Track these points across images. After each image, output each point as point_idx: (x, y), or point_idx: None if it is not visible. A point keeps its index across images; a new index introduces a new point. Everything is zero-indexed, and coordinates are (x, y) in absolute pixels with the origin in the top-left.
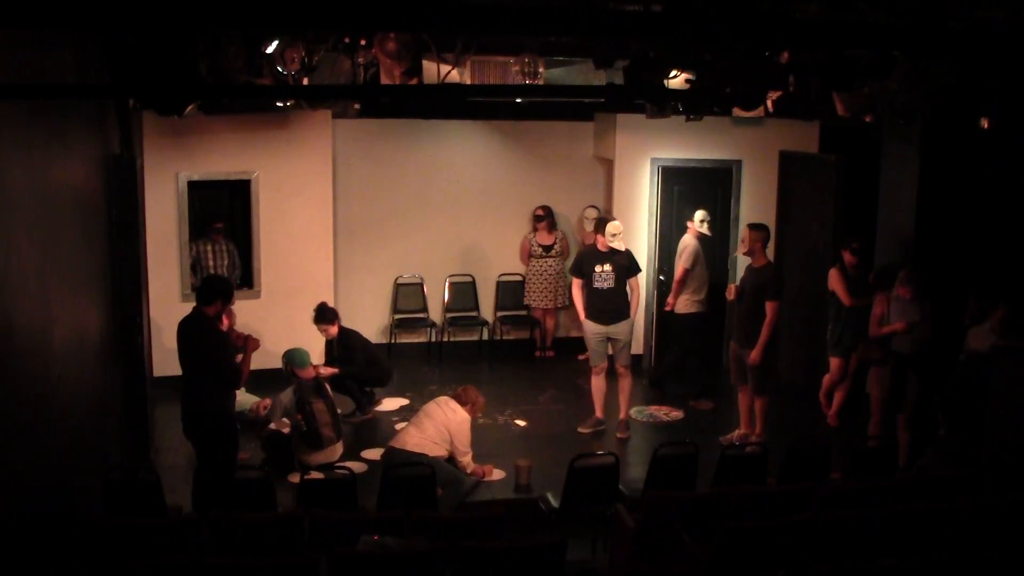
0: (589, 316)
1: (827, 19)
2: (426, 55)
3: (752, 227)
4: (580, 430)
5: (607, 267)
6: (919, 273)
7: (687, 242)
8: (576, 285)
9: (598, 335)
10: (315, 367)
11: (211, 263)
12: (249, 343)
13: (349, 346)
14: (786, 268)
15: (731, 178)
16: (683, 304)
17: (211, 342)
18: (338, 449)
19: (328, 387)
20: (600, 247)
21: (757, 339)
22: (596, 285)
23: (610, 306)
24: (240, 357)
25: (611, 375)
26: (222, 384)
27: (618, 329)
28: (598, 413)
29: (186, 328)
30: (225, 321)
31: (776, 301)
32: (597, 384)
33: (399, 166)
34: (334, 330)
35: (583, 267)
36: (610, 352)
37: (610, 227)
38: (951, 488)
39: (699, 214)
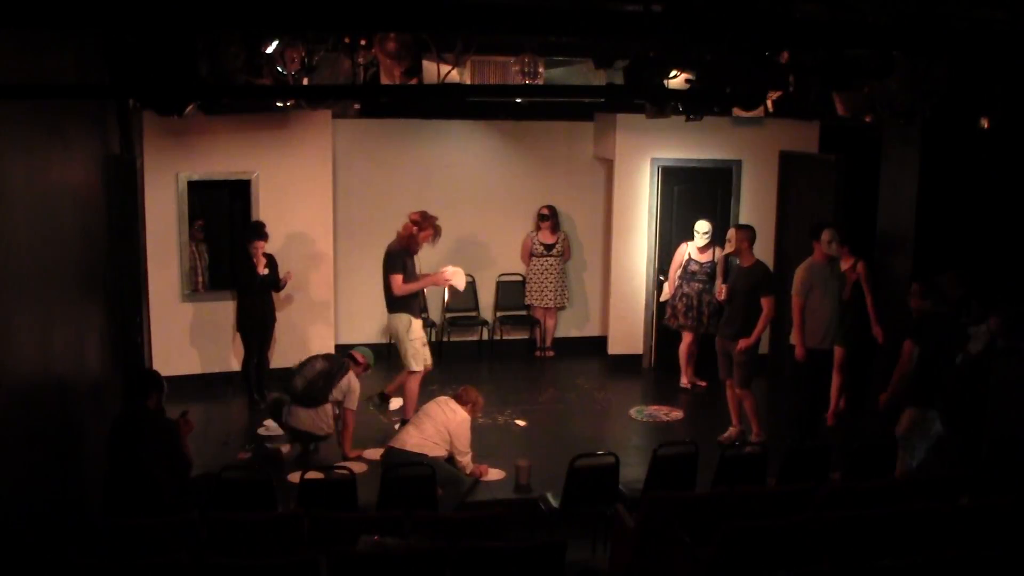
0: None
1: (827, 19)
2: (426, 55)
3: (739, 227)
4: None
5: None
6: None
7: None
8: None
9: None
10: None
11: (198, 262)
12: (183, 428)
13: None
14: (786, 268)
15: (731, 178)
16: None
17: (167, 433)
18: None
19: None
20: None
21: (749, 333)
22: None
23: None
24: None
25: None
26: (177, 476)
27: None
28: None
29: (131, 427)
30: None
31: (773, 296)
32: None
33: (399, 166)
34: (264, 247)
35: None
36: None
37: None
38: (951, 488)
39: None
